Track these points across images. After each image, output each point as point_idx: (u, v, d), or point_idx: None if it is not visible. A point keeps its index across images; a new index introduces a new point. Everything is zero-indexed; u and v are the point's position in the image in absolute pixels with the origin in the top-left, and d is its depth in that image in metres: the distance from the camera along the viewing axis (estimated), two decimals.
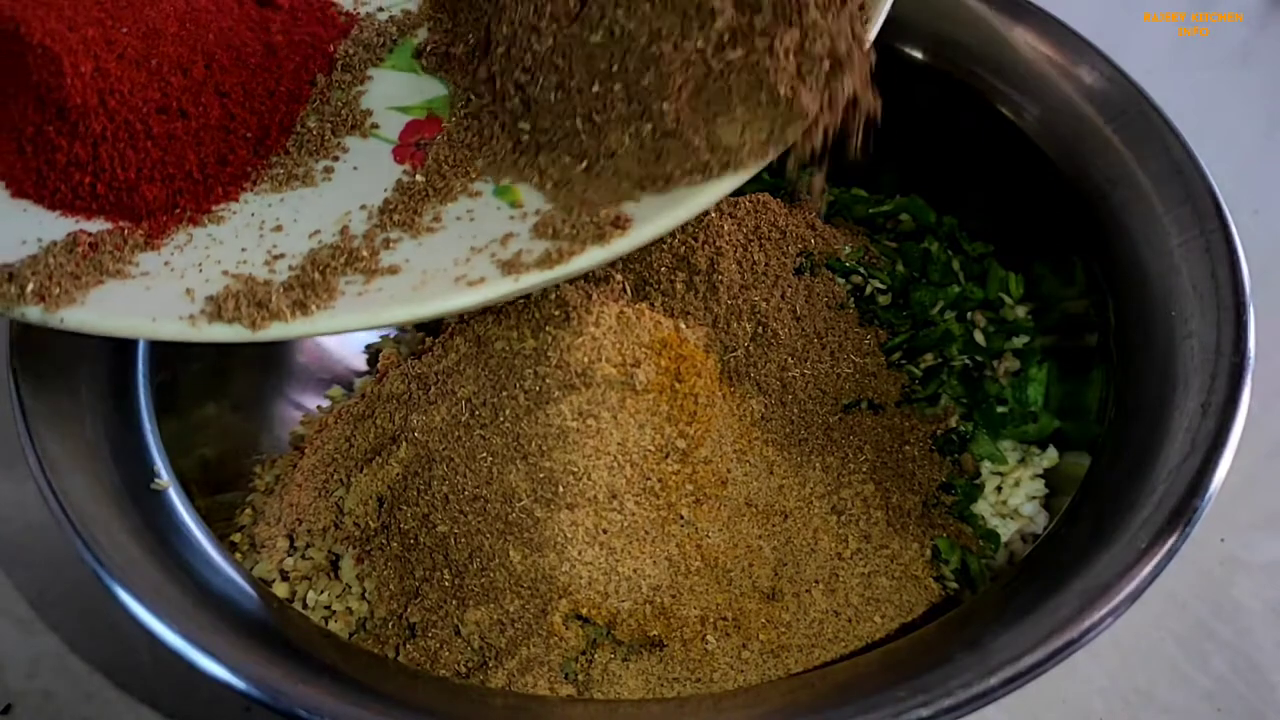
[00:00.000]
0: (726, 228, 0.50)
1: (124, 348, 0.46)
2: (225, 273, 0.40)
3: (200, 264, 0.41)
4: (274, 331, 0.38)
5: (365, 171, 0.44)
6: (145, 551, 0.40)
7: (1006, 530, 0.48)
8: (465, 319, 0.50)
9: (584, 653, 0.44)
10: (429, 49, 0.48)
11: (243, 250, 0.41)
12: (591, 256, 0.38)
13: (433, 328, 0.57)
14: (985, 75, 0.55)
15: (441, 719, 0.37)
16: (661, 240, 0.50)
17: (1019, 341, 0.53)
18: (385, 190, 0.43)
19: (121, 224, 0.41)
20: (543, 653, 0.43)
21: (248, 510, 0.49)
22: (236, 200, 0.43)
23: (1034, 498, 0.49)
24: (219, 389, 0.52)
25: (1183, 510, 0.39)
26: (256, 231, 0.42)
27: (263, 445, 0.53)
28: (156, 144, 0.42)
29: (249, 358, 0.54)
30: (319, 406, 0.55)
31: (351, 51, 0.48)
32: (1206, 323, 0.44)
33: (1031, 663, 0.36)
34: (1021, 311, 0.55)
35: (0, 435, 0.44)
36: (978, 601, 0.42)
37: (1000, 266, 0.56)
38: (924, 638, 0.40)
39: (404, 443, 0.46)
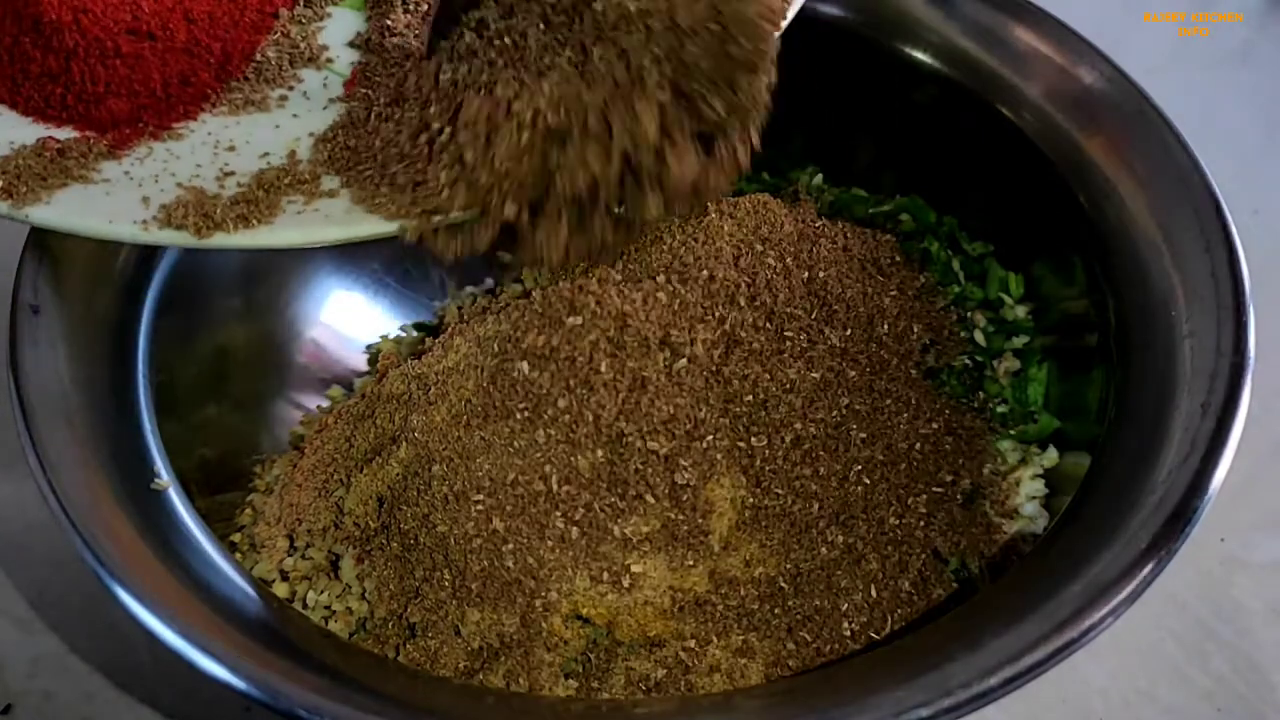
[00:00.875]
0: (726, 228, 0.50)
1: (124, 349, 0.46)
2: (179, 185, 0.43)
3: (157, 175, 0.43)
4: (217, 240, 0.41)
5: (317, 101, 0.48)
6: (145, 551, 0.40)
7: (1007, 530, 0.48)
8: (465, 319, 0.50)
9: (584, 653, 0.44)
10: None
11: (197, 166, 0.44)
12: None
13: (433, 328, 0.58)
14: (985, 75, 0.55)
15: (441, 719, 0.37)
16: (660, 239, 0.50)
17: (1019, 341, 0.53)
18: (333, 120, 0.46)
19: (88, 134, 0.44)
20: (543, 653, 0.43)
21: (248, 510, 0.49)
22: (195, 119, 0.46)
23: (1034, 498, 0.49)
24: (219, 389, 0.52)
25: (1183, 510, 0.39)
26: (211, 149, 0.45)
27: (263, 445, 0.53)
28: (125, 62, 0.45)
29: (249, 358, 0.54)
30: (319, 406, 0.55)
31: None
32: (1206, 323, 0.44)
33: (1031, 663, 0.36)
34: (1021, 311, 0.55)
35: (0, 435, 0.44)
36: (978, 601, 0.42)
37: (1000, 266, 0.56)
38: (924, 638, 0.40)
39: (404, 443, 0.46)
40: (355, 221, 0.41)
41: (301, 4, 0.51)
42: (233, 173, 0.44)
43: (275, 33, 0.50)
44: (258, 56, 0.48)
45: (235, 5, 0.49)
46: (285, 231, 0.41)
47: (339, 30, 0.51)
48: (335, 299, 0.58)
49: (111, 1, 0.45)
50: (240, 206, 0.42)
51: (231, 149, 0.45)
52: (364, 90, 0.47)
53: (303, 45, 0.50)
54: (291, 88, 0.48)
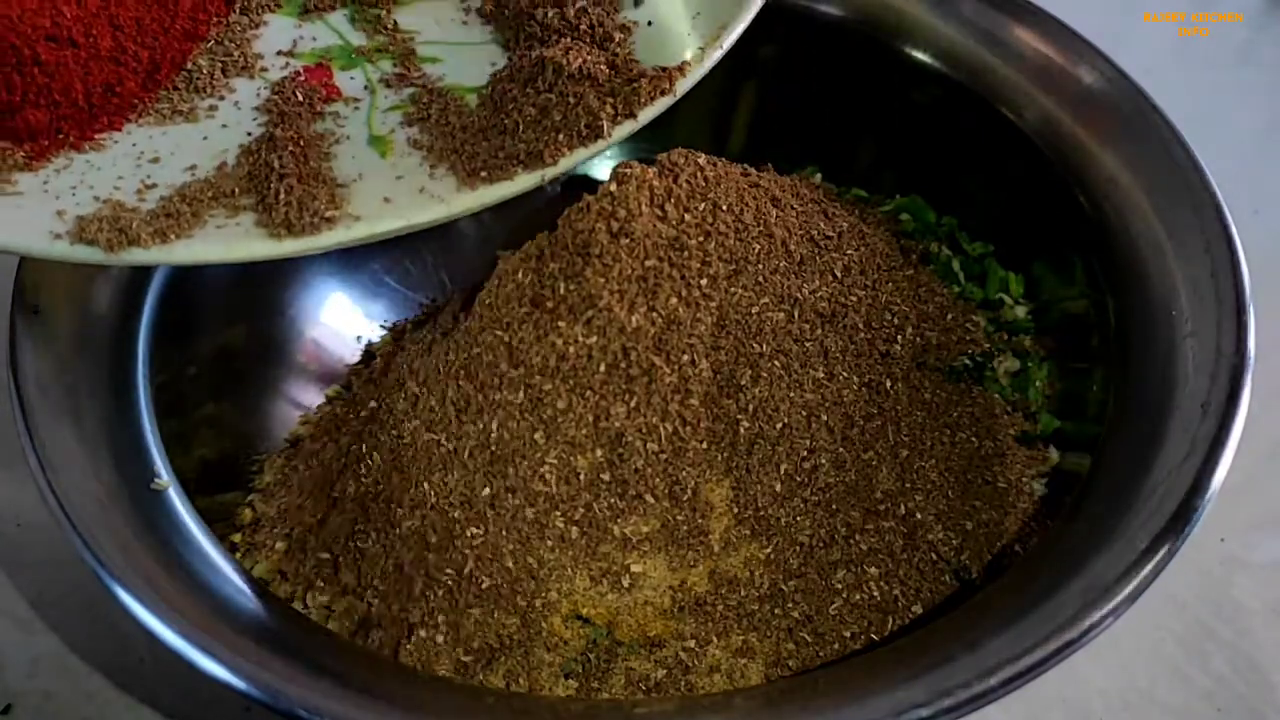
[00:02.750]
0: (724, 225, 0.50)
1: (124, 349, 0.46)
2: (96, 198, 0.42)
3: (75, 188, 0.42)
4: (132, 257, 0.40)
5: (248, 112, 0.47)
6: (145, 551, 0.40)
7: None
8: (461, 316, 0.50)
9: (584, 653, 0.44)
10: (317, 4, 0.52)
11: (119, 178, 0.43)
12: (434, 213, 0.42)
13: (429, 323, 0.58)
14: (985, 75, 0.55)
15: (441, 719, 0.37)
16: (657, 237, 0.50)
17: (1019, 341, 0.54)
18: (260, 134, 0.45)
19: (3, 144, 0.43)
20: (543, 653, 0.43)
21: (248, 510, 0.49)
22: (120, 130, 0.45)
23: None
24: (219, 389, 0.52)
25: (1183, 510, 0.39)
26: (134, 161, 0.44)
27: (262, 445, 0.53)
28: (44, 70, 0.43)
29: (249, 358, 0.54)
30: (318, 406, 0.55)
31: None
32: (1206, 323, 0.44)
33: (1031, 663, 0.36)
34: (1021, 311, 0.55)
35: (0, 435, 0.44)
36: (978, 601, 0.42)
37: (1000, 266, 0.56)
38: (924, 638, 0.40)
39: (403, 442, 0.46)
40: (256, 240, 0.41)
41: (236, 11, 0.50)
42: (155, 185, 0.43)
43: (208, 40, 0.48)
44: (189, 65, 0.47)
45: (165, 12, 0.47)
46: (204, 247, 0.41)
47: (275, 38, 0.50)
48: (335, 299, 0.58)
49: (29, 7, 0.43)
50: (160, 220, 0.41)
51: (156, 160, 0.44)
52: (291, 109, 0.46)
53: (236, 54, 0.48)
54: (223, 97, 0.47)
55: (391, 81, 0.49)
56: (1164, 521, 0.39)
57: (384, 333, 0.58)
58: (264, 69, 0.49)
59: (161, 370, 0.47)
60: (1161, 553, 0.38)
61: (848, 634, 0.44)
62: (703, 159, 0.47)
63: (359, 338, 0.58)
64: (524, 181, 0.43)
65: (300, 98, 0.47)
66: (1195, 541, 0.39)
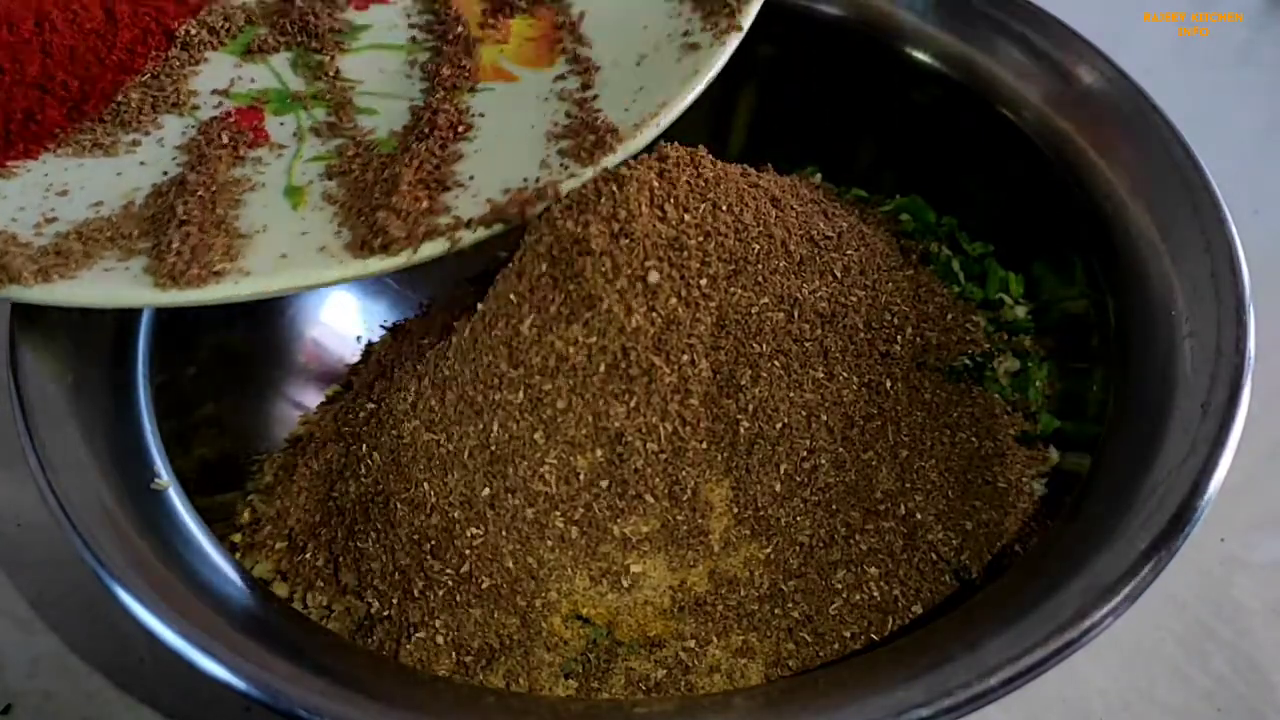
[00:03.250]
0: (723, 225, 0.50)
1: (124, 349, 0.46)
2: None
3: None
4: (10, 294, 0.39)
5: (170, 151, 0.45)
6: (145, 551, 0.40)
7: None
8: (458, 312, 0.50)
9: (584, 653, 0.44)
10: (260, 45, 0.51)
11: (20, 209, 0.42)
12: (328, 275, 0.41)
13: (431, 325, 0.57)
14: (985, 75, 0.55)
15: (441, 719, 0.37)
16: (656, 236, 0.50)
17: (1019, 341, 0.54)
18: (175, 174, 0.44)
19: None
20: (543, 653, 0.43)
21: (248, 510, 0.49)
22: (35, 159, 0.44)
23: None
24: (219, 389, 0.52)
25: (1183, 510, 0.39)
26: (41, 192, 0.43)
27: (262, 445, 0.53)
28: None
29: (249, 358, 0.54)
30: (318, 406, 0.55)
31: (194, 32, 0.49)
32: (1206, 323, 0.44)
33: (1031, 663, 0.36)
34: (1021, 311, 0.55)
35: (0, 435, 0.44)
36: (978, 601, 0.42)
37: (1000, 266, 0.56)
38: (924, 638, 0.40)
39: (402, 442, 0.46)
40: (140, 288, 0.40)
41: (178, 46, 0.49)
42: (55, 219, 0.42)
43: (144, 74, 0.47)
44: (119, 98, 0.46)
45: (103, 43, 0.46)
46: (87, 289, 0.40)
47: (213, 77, 0.49)
48: (335, 298, 0.58)
49: None
50: (48, 258, 0.40)
51: (64, 194, 0.43)
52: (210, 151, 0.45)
53: (170, 90, 0.47)
54: (148, 133, 0.46)
55: (321, 130, 0.47)
56: (1164, 521, 0.39)
57: (384, 333, 0.59)
58: (195, 107, 0.47)
59: (161, 370, 0.47)
60: (1161, 553, 0.38)
61: (848, 634, 0.44)
62: (703, 159, 0.47)
63: (359, 338, 0.58)
64: (425, 253, 0.42)
65: (225, 140, 0.45)
66: (1195, 541, 0.39)
